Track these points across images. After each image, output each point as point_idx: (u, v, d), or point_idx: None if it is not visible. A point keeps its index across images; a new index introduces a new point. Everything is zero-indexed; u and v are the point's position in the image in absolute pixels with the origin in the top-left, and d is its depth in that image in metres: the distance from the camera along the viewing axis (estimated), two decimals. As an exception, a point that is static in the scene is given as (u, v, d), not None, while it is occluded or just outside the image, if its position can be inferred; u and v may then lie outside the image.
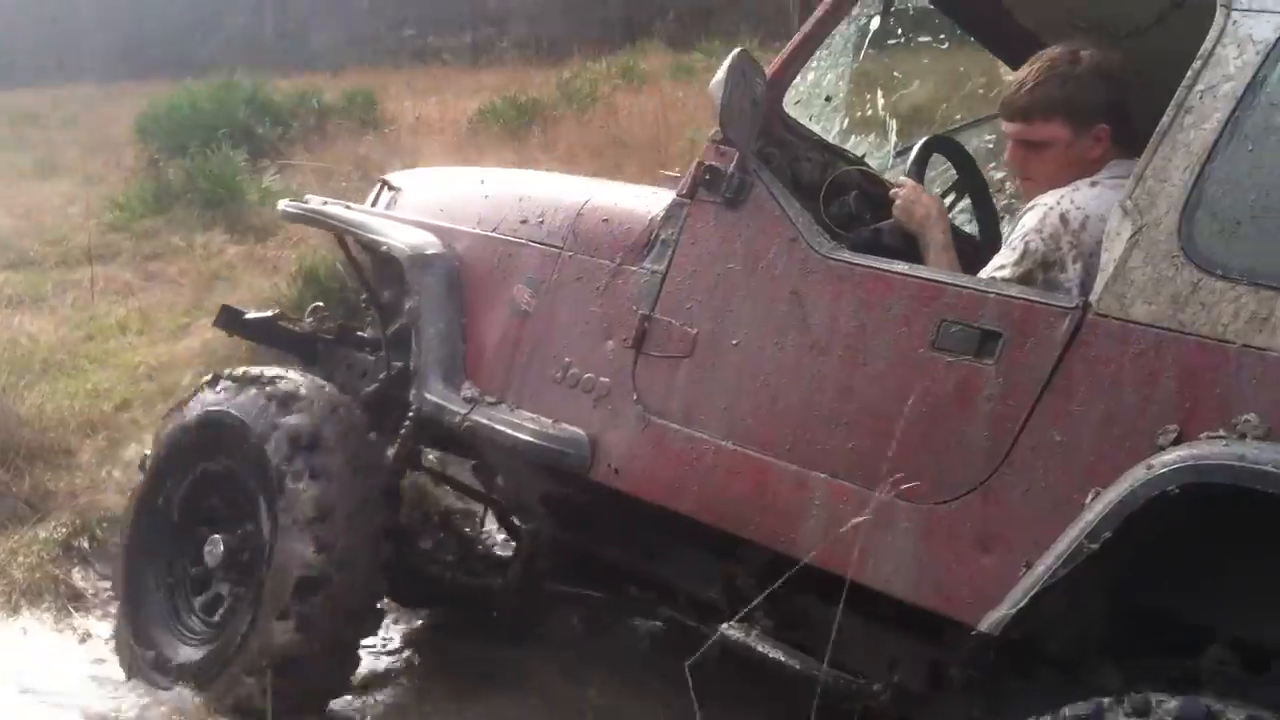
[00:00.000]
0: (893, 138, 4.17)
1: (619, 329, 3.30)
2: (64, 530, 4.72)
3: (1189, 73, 2.50)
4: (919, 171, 3.33)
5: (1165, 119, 2.51)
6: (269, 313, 4.53)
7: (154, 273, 8.15)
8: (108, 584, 4.50)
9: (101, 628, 4.31)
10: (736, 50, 3.12)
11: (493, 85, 12.69)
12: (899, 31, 3.91)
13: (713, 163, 3.18)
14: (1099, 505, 2.32)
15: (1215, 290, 2.36)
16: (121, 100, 14.34)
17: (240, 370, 3.94)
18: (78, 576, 4.59)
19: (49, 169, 11.74)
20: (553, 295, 3.50)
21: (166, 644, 3.78)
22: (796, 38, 3.26)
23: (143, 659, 3.77)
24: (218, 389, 3.86)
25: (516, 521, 4.26)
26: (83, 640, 4.25)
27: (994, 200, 3.77)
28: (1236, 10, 2.50)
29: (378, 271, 4.30)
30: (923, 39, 4.24)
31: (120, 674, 3.84)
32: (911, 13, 3.82)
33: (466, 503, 4.39)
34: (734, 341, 3.06)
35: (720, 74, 3.02)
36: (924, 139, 3.47)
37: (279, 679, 3.43)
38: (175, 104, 11.25)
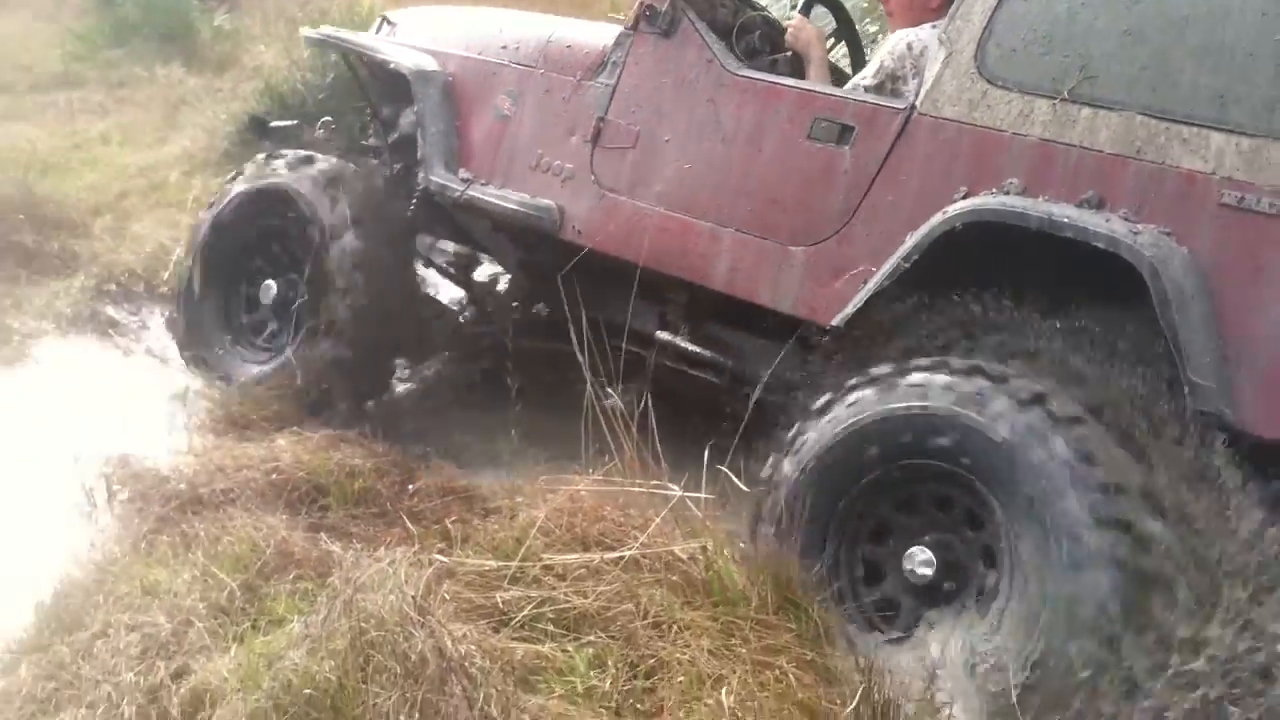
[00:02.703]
0: None
1: (580, 128, 4.40)
2: (94, 279, 5.68)
3: None
4: (806, 10, 4.46)
5: None
6: (290, 121, 5.51)
7: (123, 98, 8.94)
8: (136, 316, 5.53)
9: (135, 346, 5.31)
10: None
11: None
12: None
13: (652, 3, 4.26)
14: (911, 239, 3.49)
15: (996, 96, 3.53)
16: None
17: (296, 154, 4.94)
18: (111, 310, 5.55)
19: (-1, 3, 12.22)
20: (528, 103, 4.58)
21: (230, 357, 4.85)
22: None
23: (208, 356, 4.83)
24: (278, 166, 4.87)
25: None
26: (125, 355, 5.23)
27: (863, 45, 4.94)
28: None
29: (379, 91, 5.31)
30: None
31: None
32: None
33: None
34: (666, 138, 4.17)
35: None
36: None
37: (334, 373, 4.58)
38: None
